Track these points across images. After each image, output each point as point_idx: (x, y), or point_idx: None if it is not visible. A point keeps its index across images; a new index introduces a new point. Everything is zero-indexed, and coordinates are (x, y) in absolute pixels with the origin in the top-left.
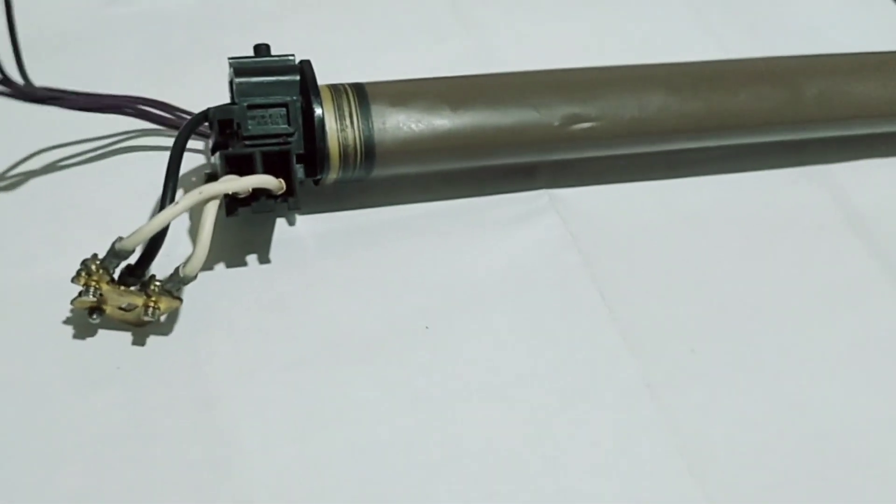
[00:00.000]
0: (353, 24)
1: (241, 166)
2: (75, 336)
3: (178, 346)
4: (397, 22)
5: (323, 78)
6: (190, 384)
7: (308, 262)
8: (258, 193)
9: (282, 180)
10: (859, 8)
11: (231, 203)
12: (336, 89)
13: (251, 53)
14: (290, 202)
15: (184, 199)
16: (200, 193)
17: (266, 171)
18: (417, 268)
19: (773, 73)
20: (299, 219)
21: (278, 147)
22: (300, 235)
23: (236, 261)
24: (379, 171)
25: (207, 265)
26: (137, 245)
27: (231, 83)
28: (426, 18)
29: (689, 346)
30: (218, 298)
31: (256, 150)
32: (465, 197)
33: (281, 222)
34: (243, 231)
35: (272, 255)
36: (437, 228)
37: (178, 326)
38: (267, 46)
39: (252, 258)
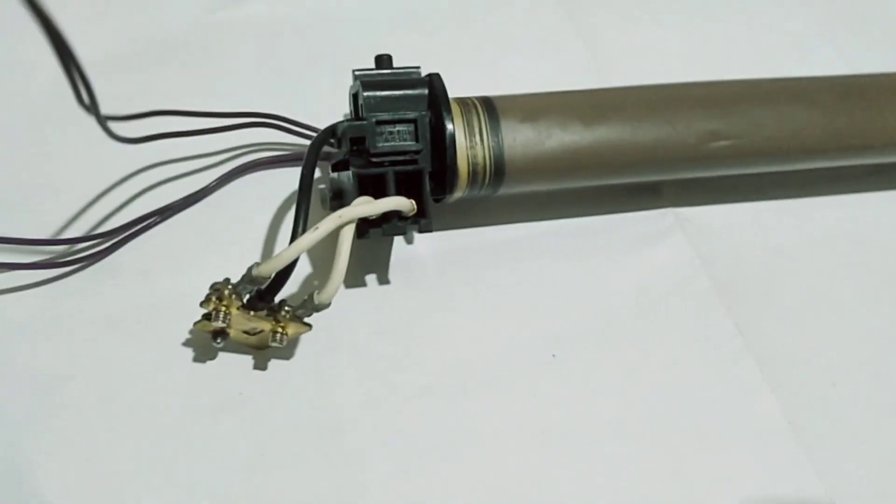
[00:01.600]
0: (469, 35)
1: (373, 185)
2: (196, 359)
3: (301, 371)
4: (513, 32)
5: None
6: (315, 411)
7: (429, 284)
8: (389, 215)
9: (413, 201)
10: None
11: (362, 225)
12: (465, 104)
13: (370, 65)
14: (422, 224)
15: (323, 223)
16: (340, 218)
17: (396, 191)
18: (543, 291)
19: None
20: (417, 236)
21: (412, 166)
22: (419, 255)
23: (355, 280)
24: (506, 190)
25: None
26: (277, 270)
27: (355, 96)
28: (542, 28)
29: (830, 379)
30: (339, 321)
31: (390, 169)
32: (587, 216)
33: (398, 240)
34: (360, 249)
35: (391, 275)
36: (561, 249)
37: (300, 350)
38: (389, 57)
39: (371, 278)
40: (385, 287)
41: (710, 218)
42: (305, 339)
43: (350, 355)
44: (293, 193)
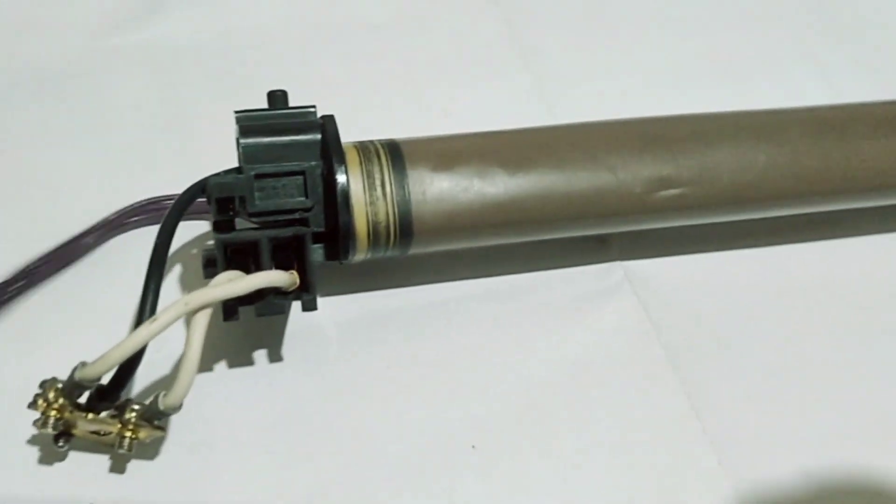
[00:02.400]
0: (397, 60)
1: (247, 254)
2: (41, 461)
3: (166, 474)
4: (447, 55)
5: (359, 130)
6: None
7: (330, 361)
8: (265, 290)
9: (294, 273)
10: None
11: (230, 304)
12: (365, 149)
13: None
14: (305, 300)
15: (164, 313)
16: (186, 305)
17: (277, 258)
18: (465, 367)
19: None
20: (321, 301)
21: (291, 231)
22: (320, 324)
23: (240, 358)
24: (418, 249)
25: (204, 365)
26: (104, 373)
27: (238, 142)
28: (481, 50)
29: (795, 460)
30: (217, 410)
31: (263, 235)
32: (521, 272)
33: (296, 307)
34: (248, 319)
35: (285, 350)
36: (490, 314)
37: (167, 448)
38: (284, 94)
39: (260, 355)
40: (277, 366)
41: (667, 272)
42: (174, 435)
43: (229, 453)
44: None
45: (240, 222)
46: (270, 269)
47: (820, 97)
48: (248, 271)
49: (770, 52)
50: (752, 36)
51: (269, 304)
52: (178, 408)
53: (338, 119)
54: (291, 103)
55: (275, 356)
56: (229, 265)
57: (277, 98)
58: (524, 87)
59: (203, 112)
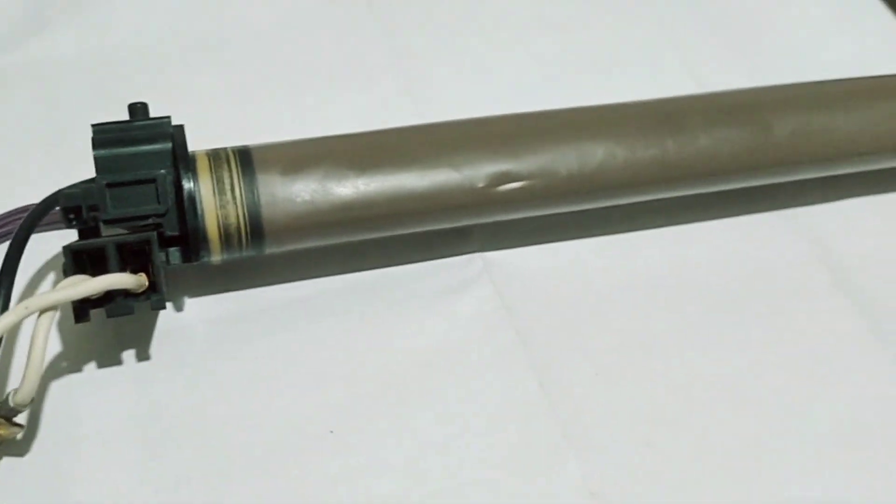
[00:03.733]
0: (276, 68)
1: (95, 259)
2: None
3: (37, 471)
4: (321, 56)
5: (234, 136)
6: None
7: (196, 357)
8: (114, 292)
9: (142, 275)
10: (856, 23)
11: (81, 306)
12: (216, 156)
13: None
14: (153, 300)
15: (4, 317)
16: (26, 308)
17: (129, 262)
18: (325, 357)
19: (739, 109)
20: (187, 301)
21: (136, 236)
22: (188, 323)
23: (108, 358)
24: (273, 249)
25: (74, 366)
26: None
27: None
28: (356, 57)
29: (644, 440)
30: (87, 408)
31: (109, 241)
32: (383, 266)
33: (167, 308)
34: (119, 319)
35: (153, 349)
36: (352, 307)
37: (38, 445)
38: (144, 106)
39: (129, 355)
40: (144, 364)
41: (525, 261)
42: (44, 432)
43: (99, 449)
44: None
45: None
46: (117, 272)
47: (688, 88)
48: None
49: (638, 45)
50: (620, 30)
51: (120, 305)
52: (27, 404)
53: (214, 127)
54: (173, 115)
55: (143, 355)
56: (85, 270)
57: (137, 110)
58: (395, 90)
59: (86, 126)
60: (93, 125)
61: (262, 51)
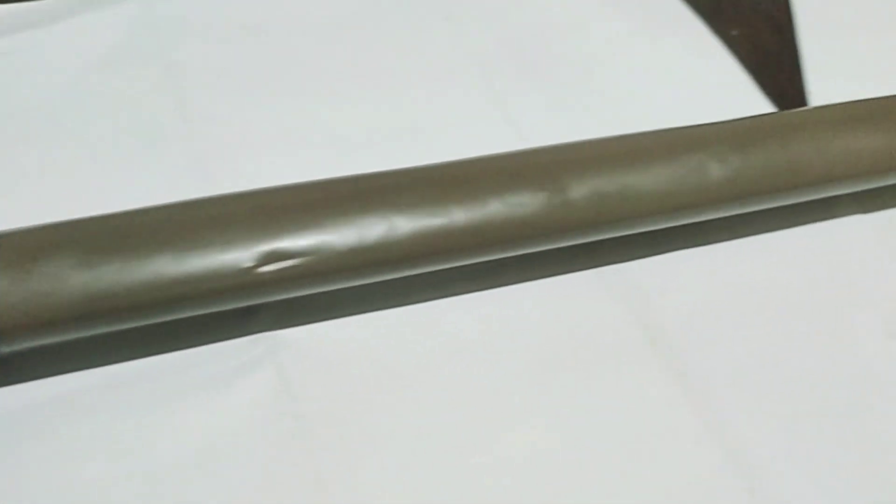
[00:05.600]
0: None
1: None
2: None
3: None
4: (113, 134)
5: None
6: None
7: None
8: None
9: None
10: (694, 64)
11: None
12: None
13: None
14: None
15: None
16: None
17: None
18: (83, 458)
19: (533, 171)
20: None
21: None
22: None
23: None
24: (12, 348)
25: None
26: None
27: None
28: (149, 126)
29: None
30: None
31: None
32: (153, 354)
33: None
34: None
35: None
36: (111, 403)
37: None
38: None
39: None
40: None
41: (318, 338)
42: None
43: None
44: None
45: None
46: None
47: (511, 144)
48: None
49: (459, 102)
50: (440, 87)
51: None
52: None
53: None
54: None
55: None
56: None
57: None
58: (188, 160)
59: None
60: None
61: (52, 126)
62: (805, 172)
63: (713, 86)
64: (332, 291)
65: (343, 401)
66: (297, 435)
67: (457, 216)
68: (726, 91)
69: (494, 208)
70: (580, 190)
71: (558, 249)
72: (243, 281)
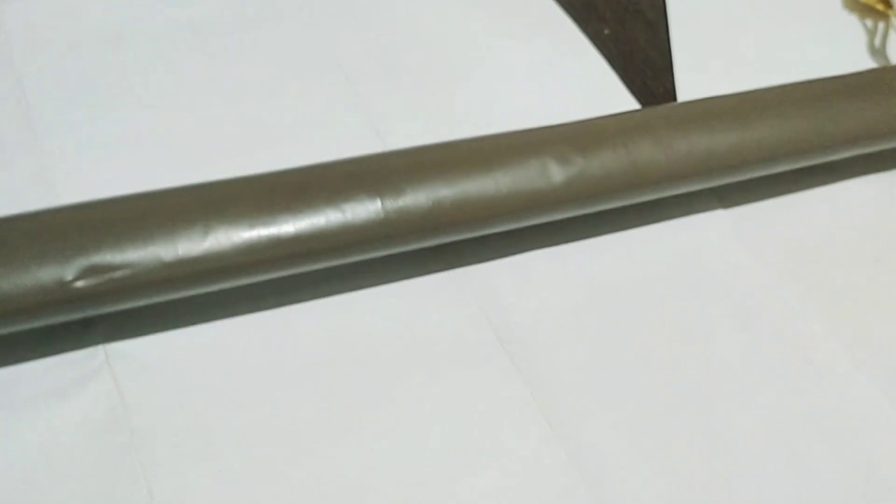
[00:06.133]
0: None
1: None
2: None
3: None
4: None
5: None
6: None
7: None
8: None
9: None
10: (562, 64)
11: None
12: None
13: None
14: None
15: None
16: None
17: None
18: None
19: (369, 177)
20: None
21: None
22: None
23: None
24: None
25: None
26: None
27: None
28: None
29: None
30: None
31: None
32: None
33: None
34: None
35: None
36: None
37: None
38: None
39: None
40: None
41: (153, 350)
42: None
43: None
44: None
45: None
46: None
47: (373, 147)
48: None
49: (320, 106)
50: (302, 91)
51: None
52: None
53: None
54: None
55: None
56: None
57: None
58: (31, 170)
59: None
60: None
61: None
62: (649, 172)
63: (581, 86)
64: (169, 302)
65: (179, 413)
66: (132, 449)
67: (285, 227)
68: (594, 91)
69: (327, 217)
70: (416, 196)
71: (411, 252)
72: (62, 296)
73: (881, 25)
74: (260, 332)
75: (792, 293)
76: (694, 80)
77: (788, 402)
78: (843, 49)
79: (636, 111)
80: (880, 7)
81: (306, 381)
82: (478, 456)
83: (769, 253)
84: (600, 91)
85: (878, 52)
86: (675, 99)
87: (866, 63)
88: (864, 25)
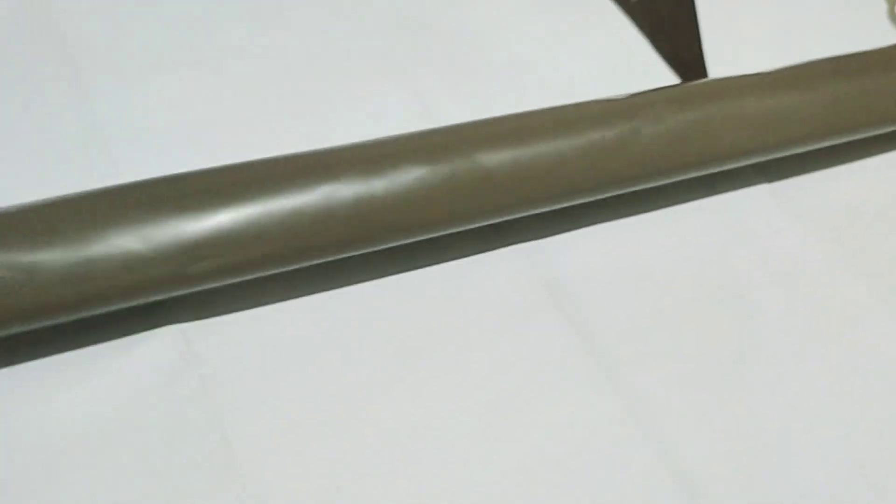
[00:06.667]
0: None
1: None
2: None
3: None
4: None
5: None
6: None
7: None
8: None
9: None
10: (594, 34)
11: None
12: None
13: None
14: None
15: None
16: None
17: None
18: None
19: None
20: None
21: None
22: None
23: None
24: None
25: None
26: None
27: None
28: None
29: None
30: None
31: None
32: (56, 353)
33: None
34: None
35: None
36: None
37: None
38: None
39: None
40: None
41: (230, 330)
42: None
43: None
44: None
45: None
46: None
47: (413, 120)
48: None
49: (360, 77)
50: (339, 62)
51: None
52: None
53: None
54: None
55: None
56: None
57: None
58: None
59: None
60: None
61: None
62: (713, 145)
63: (613, 55)
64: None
65: (248, 363)
66: (203, 395)
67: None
68: (626, 60)
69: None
70: (500, 166)
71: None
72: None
73: None
74: (332, 300)
75: (835, 260)
76: (721, 48)
77: (834, 361)
78: (875, 18)
79: (697, 83)
80: None
81: (375, 341)
82: (533, 403)
83: (813, 222)
84: (633, 61)
85: None
86: (704, 66)
87: None
88: None
